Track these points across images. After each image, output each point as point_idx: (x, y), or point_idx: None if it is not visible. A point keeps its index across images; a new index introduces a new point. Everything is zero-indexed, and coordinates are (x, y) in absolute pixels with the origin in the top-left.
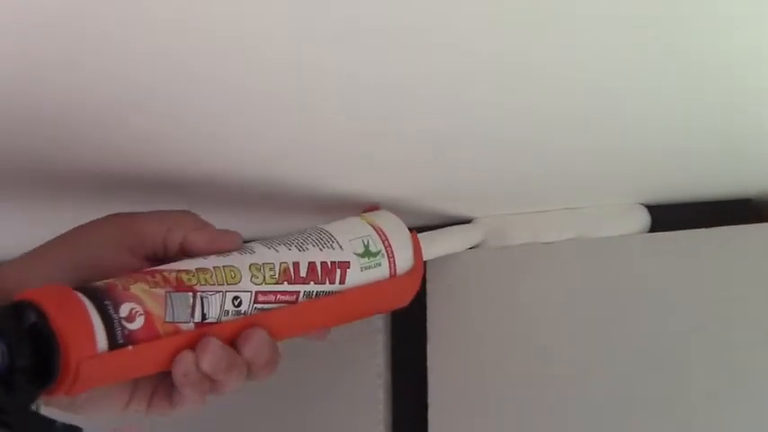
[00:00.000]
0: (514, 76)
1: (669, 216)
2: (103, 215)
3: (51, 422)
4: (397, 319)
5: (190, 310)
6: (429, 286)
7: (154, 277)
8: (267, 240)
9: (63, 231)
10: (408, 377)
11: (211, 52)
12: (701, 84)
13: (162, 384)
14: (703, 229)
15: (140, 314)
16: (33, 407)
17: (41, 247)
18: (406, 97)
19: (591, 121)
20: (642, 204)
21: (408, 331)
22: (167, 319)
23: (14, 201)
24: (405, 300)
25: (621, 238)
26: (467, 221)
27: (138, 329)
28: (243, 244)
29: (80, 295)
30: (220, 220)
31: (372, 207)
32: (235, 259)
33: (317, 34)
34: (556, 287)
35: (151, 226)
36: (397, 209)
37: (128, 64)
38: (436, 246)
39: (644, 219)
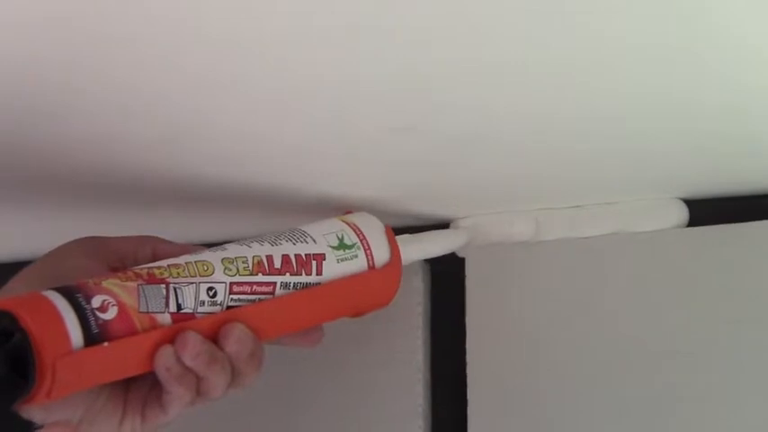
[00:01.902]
0: (547, 76)
1: (707, 210)
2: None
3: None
4: (436, 314)
5: (164, 301)
6: (468, 281)
7: (125, 274)
8: (239, 240)
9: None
10: (447, 372)
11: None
12: (740, 75)
13: (151, 394)
14: (741, 224)
15: (113, 305)
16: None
17: (17, 274)
18: (430, 94)
19: (627, 117)
20: (680, 199)
21: (447, 326)
22: (141, 309)
23: (14, 203)
24: (388, 294)
25: (659, 233)
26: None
27: (112, 320)
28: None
29: (49, 293)
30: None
31: (348, 212)
32: (207, 255)
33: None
34: (593, 281)
35: (121, 241)
36: (380, 211)
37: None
38: (415, 246)
39: (682, 213)
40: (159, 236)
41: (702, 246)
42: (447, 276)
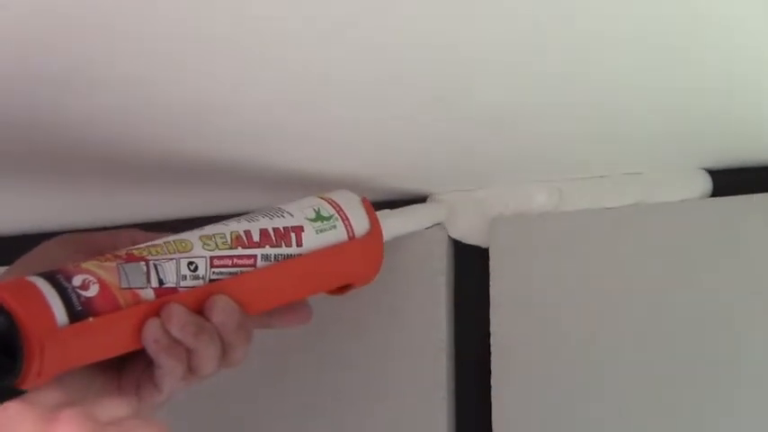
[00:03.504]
0: (582, 43)
1: (730, 181)
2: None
3: None
4: (459, 284)
5: (145, 277)
6: (492, 251)
7: (104, 257)
8: (216, 222)
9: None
10: (471, 343)
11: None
12: (761, 44)
13: (144, 374)
14: (765, 194)
15: (94, 282)
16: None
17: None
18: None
19: (650, 85)
20: (703, 169)
21: (471, 297)
22: (123, 286)
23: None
24: (372, 266)
25: (682, 204)
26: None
27: (94, 297)
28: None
29: (29, 278)
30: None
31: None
32: (184, 234)
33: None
34: (616, 252)
35: (100, 236)
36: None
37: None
38: (395, 219)
39: (705, 183)
40: (141, 213)
41: (726, 216)
42: (471, 247)
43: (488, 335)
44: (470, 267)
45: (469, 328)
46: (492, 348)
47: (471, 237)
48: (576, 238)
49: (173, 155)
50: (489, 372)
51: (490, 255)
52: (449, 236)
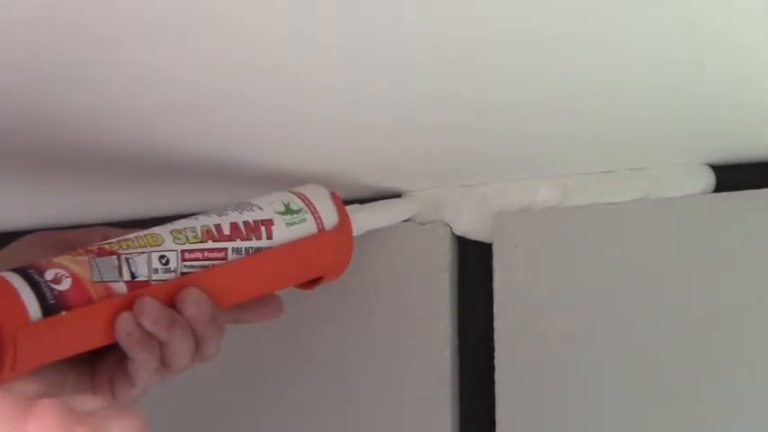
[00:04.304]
0: (580, 43)
1: (734, 176)
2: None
3: None
4: (463, 282)
5: (117, 270)
6: (495, 246)
7: (76, 251)
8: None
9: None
10: (475, 337)
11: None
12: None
13: (117, 369)
14: None
15: (66, 276)
16: None
17: None
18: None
19: (653, 82)
20: (707, 164)
21: (475, 294)
22: (95, 279)
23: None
24: (342, 259)
25: (686, 199)
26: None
27: (67, 290)
28: None
29: (1, 273)
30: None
31: None
32: (154, 229)
33: None
34: (620, 247)
35: (72, 232)
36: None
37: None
38: (364, 213)
39: (709, 179)
40: (113, 209)
41: (729, 211)
42: (474, 242)
43: (492, 330)
44: (474, 263)
45: (473, 324)
46: (496, 344)
47: (475, 232)
48: (580, 234)
49: (158, 152)
50: (493, 367)
51: (494, 250)
52: (452, 231)
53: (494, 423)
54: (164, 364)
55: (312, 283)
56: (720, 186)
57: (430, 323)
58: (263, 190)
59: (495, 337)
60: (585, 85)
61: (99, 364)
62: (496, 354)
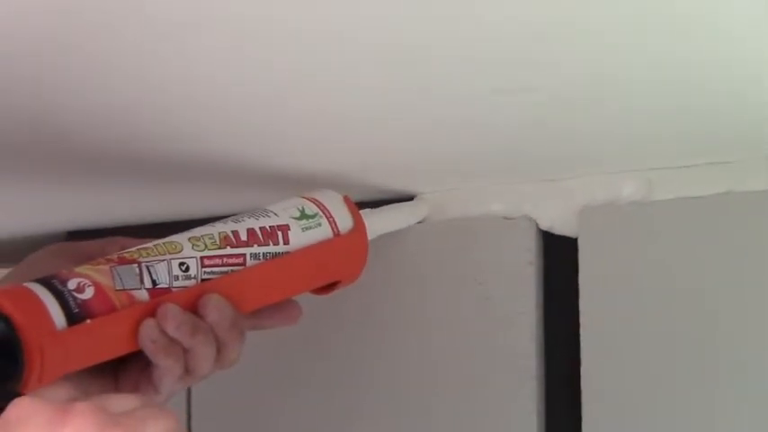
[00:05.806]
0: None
1: None
2: None
3: None
4: (549, 277)
5: (138, 278)
6: (581, 243)
7: (97, 261)
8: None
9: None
10: (561, 334)
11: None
12: None
13: (141, 376)
14: None
15: (89, 285)
16: None
17: None
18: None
19: (739, 73)
20: None
21: (561, 288)
22: (117, 287)
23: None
24: (358, 262)
25: None
26: None
27: (90, 299)
28: None
29: (25, 283)
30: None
31: None
32: (173, 237)
33: None
34: (706, 241)
35: (89, 244)
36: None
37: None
38: (377, 217)
39: None
40: (129, 214)
41: None
42: (560, 237)
43: (578, 325)
44: (560, 257)
45: (559, 319)
46: (581, 338)
47: (560, 227)
48: (666, 228)
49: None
50: (579, 361)
51: (579, 245)
52: (538, 226)
53: (580, 420)
54: (187, 370)
55: (329, 287)
56: None
57: (515, 319)
58: (275, 190)
59: (581, 333)
60: (674, 75)
61: (122, 374)
62: (582, 348)
